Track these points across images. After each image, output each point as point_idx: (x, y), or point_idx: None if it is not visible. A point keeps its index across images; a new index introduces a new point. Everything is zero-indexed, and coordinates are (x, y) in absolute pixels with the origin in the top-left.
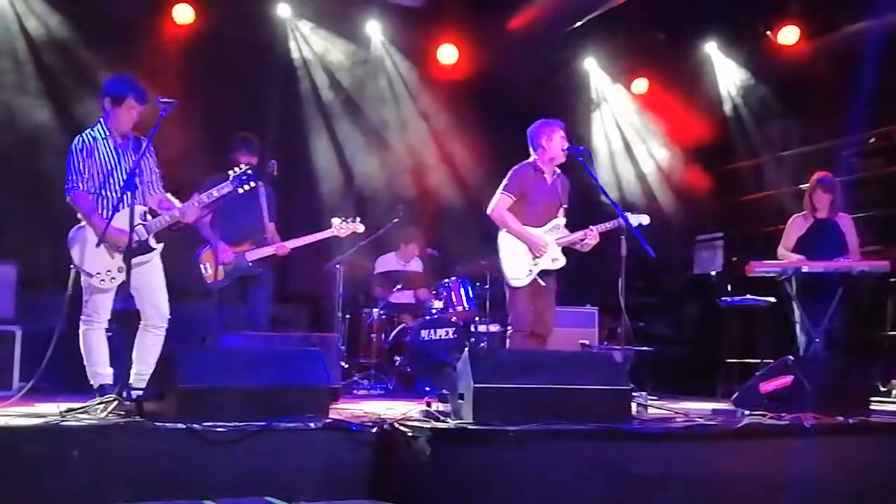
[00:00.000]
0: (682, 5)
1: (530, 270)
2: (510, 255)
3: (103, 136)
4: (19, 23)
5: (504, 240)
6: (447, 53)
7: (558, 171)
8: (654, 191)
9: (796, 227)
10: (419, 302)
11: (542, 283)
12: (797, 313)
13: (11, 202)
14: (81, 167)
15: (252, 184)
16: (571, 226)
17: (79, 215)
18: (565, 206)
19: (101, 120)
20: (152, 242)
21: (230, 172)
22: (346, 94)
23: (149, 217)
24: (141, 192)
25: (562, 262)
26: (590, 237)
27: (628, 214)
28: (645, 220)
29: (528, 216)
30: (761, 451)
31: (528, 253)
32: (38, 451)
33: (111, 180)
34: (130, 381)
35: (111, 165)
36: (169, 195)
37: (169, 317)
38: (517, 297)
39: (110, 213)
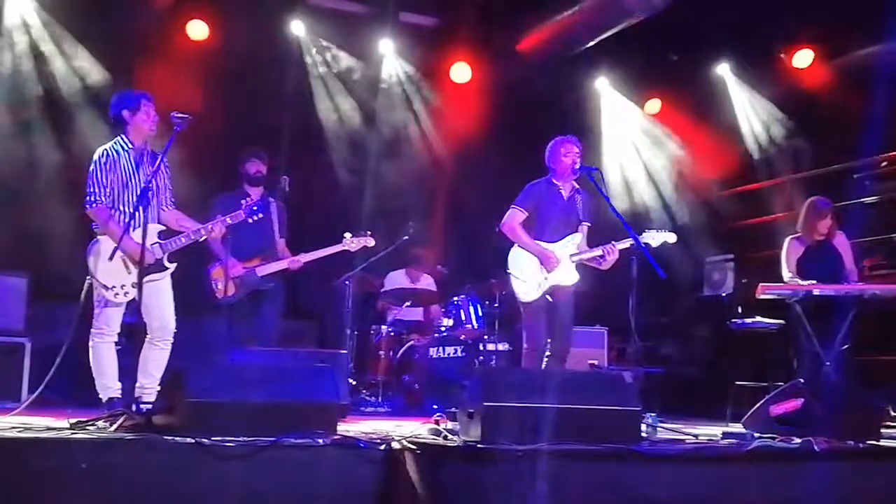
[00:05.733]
0: (695, 27)
1: (539, 285)
2: (520, 270)
3: (125, 148)
4: (29, 39)
5: (515, 255)
6: (460, 71)
7: (577, 186)
8: (665, 210)
9: (794, 249)
10: (429, 319)
11: (550, 299)
12: (803, 336)
13: (23, 215)
14: (104, 180)
15: (261, 215)
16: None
17: (95, 228)
18: (587, 223)
19: (121, 136)
20: (166, 262)
21: (242, 202)
22: (359, 111)
23: (163, 236)
24: (155, 208)
25: (575, 277)
26: (610, 253)
27: (652, 231)
28: (671, 238)
29: (542, 232)
30: (771, 475)
31: (539, 268)
32: (46, 463)
33: (126, 194)
34: (136, 395)
35: (127, 179)
36: (182, 214)
37: (175, 331)
38: (529, 314)
39: (124, 227)
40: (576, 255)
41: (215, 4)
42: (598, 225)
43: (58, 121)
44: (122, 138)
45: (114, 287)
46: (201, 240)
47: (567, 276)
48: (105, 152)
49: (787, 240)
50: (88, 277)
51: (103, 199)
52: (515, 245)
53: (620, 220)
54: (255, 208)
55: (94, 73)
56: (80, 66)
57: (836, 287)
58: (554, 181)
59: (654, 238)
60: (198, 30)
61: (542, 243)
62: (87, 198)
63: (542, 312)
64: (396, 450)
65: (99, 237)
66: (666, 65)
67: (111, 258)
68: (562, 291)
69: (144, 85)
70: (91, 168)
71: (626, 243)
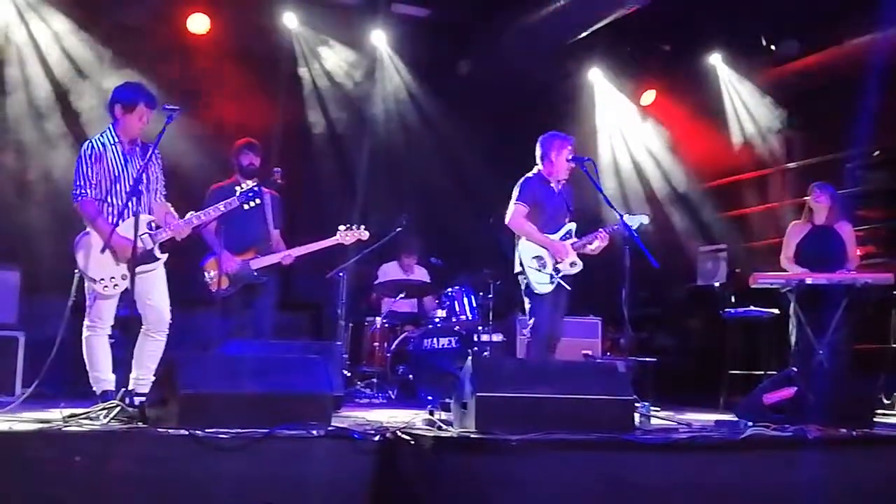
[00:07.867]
0: (687, 17)
1: (552, 276)
2: (535, 264)
3: (112, 142)
4: (27, 30)
5: (526, 249)
6: (452, 63)
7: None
8: (658, 201)
9: (795, 233)
10: (423, 311)
11: (568, 288)
12: (796, 324)
13: (15, 207)
14: (90, 173)
15: (257, 200)
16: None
17: (84, 221)
18: (572, 210)
19: (111, 127)
20: (157, 252)
21: (237, 188)
22: (352, 103)
23: (153, 226)
24: (146, 200)
25: (580, 266)
26: (600, 239)
27: (626, 216)
28: (644, 220)
29: (542, 224)
30: (764, 463)
31: (550, 259)
32: (40, 456)
33: (117, 187)
34: (131, 387)
35: (118, 172)
36: (170, 207)
37: (170, 322)
38: (540, 304)
39: (115, 220)
40: (576, 244)
41: None
42: (583, 214)
43: (50, 112)
44: (110, 130)
45: (103, 279)
46: (180, 236)
47: (574, 265)
48: (91, 145)
49: (792, 223)
50: (77, 270)
51: (89, 192)
52: (522, 240)
53: (614, 209)
54: (250, 194)
55: (90, 63)
56: (74, 57)
57: (828, 276)
58: (545, 176)
59: (631, 221)
60: (199, 23)
61: (547, 235)
62: (74, 191)
63: (550, 303)
64: (391, 440)
65: (88, 230)
66: (659, 55)
67: (103, 251)
68: (566, 281)
69: (139, 75)
70: (77, 161)
71: (615, 227)
